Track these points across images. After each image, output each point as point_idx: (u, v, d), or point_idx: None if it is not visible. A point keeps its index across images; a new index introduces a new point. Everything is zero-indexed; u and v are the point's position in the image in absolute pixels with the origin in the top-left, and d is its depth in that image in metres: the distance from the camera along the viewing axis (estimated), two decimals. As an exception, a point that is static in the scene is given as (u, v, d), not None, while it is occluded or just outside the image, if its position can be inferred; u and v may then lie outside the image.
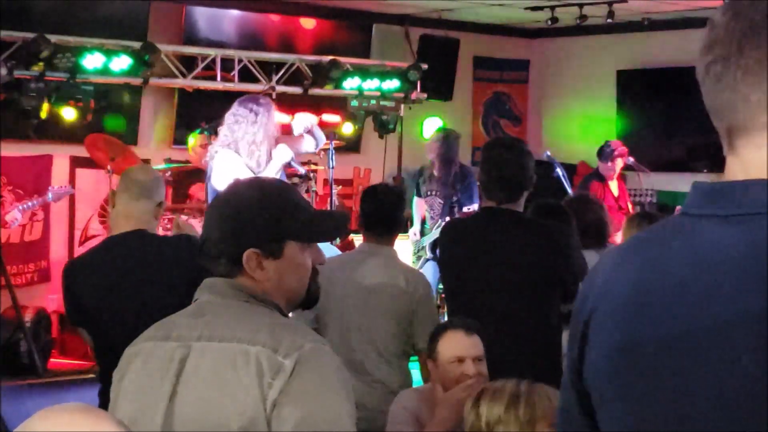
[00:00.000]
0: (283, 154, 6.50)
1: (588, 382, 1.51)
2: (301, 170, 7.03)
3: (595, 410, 1.51)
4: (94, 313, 4.22)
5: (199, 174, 8.43)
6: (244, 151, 6.39)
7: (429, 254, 8.87)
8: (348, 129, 10.02)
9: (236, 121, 6.49)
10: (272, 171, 6.46)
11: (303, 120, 7.05)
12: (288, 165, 6.68)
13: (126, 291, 4.15)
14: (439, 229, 7.58)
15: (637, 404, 1.42)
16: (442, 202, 8.96)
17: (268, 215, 2.46)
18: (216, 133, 7.56)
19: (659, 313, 1.41)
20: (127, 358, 2.48)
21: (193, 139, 8.76)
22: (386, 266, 4.85)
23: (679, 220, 1.47)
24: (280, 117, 8.49)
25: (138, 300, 4.11)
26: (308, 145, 7.11)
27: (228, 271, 2.45)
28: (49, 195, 8.15)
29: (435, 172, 9.05)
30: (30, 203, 8.18)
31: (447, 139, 9.06)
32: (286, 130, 7.13)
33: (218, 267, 2.46)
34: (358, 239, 8.99)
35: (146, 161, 9.06)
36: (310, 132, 7.01)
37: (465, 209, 8.66)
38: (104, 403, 4.17)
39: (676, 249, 1.43)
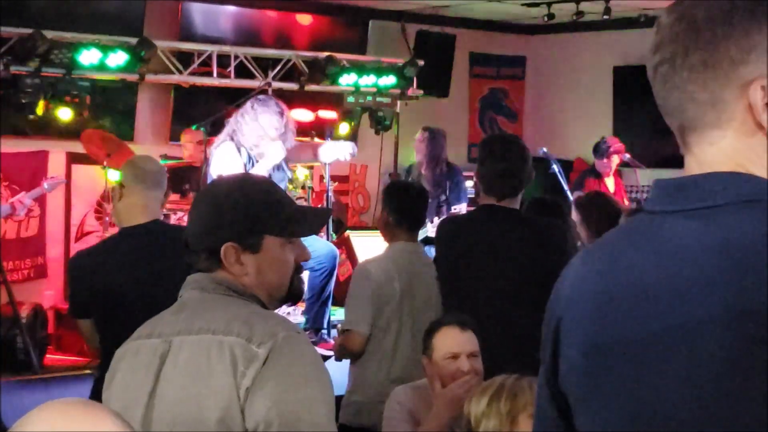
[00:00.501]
0: (276, 153, 6.50)
1: (562, 385, 1.52)
2: (288, 173, 7.03)
3: (571, 411, 1.51)
4: (113, 304, 4.17)
5: (194, 171, 8.43)
6: (238, 146, 6.48)
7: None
8: (344, 126, 10.01)
9: (238, 117, 6.59)
10: (262, 169, 6.47)
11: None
12: (278, 167, 6.68)
13: (152, 281, 4.09)
14: (426, 228, 7.62)
15: (607, 406, 1.43)
16: (430, 201, 8.93)
17: (247, 210, 2.48)
18: (208, 130, 7.62)
19: (625, 315, 1.41)
20: (116, 359, 2.50)
21: (186, 135, 8.79)
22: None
23: (642, 218, 1.49)
24: (302, 115, 8.54)
25: (162, 289, 4.07)
26: (327, 157, 7.18)
27: (209, 266, 2.48)
28: (45, 185, 8.17)
29: (423, 171, 9.03)
30: (33, 192, 8.23)
31: (433, 137, 9.04)
32: (305, 127, 7.20)
33: (199, 261, 2.49)
34: (356, 235, 9.03)
35: (143, 157, 9.04)
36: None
37: (453, 209, 8.63)
38: (97, 396, 4.22)
39: (641, 249, 1.44)
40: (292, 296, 2.62)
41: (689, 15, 1.44)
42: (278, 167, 6.67)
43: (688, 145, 1.48)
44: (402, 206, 4.98)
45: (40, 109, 8.07)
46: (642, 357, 1.38)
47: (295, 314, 7.71)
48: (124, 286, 4.17)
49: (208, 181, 6.62)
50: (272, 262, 2.50)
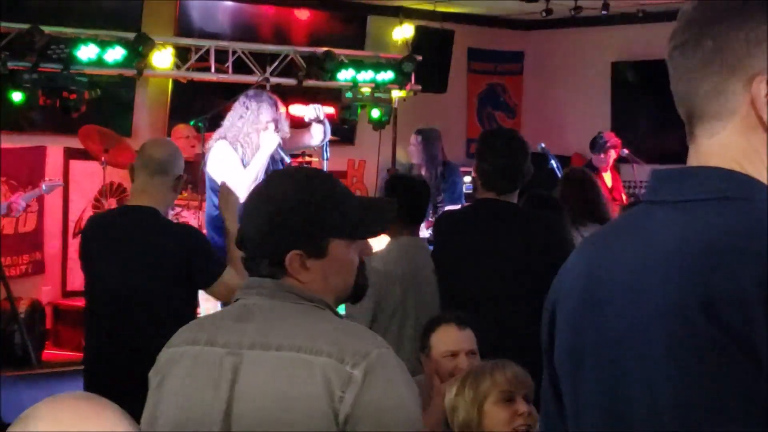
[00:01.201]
0: (270, 140, 6.50)
1: (555, 369, 1.54)
2: (287, 158, 7.01)
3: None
4: (92, 267, 4.51)
5: (187, 165, 8.42)
6: (233, 142, 6.47)
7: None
8: (342, 121, 10.00)
9: (232, 114, 6.58)
10: (260, 161, 6.47)
11: (312, 110, 7.08)
12: (276, 160, 6.66)
13: (116, 260, 4.37)
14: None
15: (580, 399, 1.45)
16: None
17: (309, 213, 2.30)
18: (206, 126, 7.61)
19: (597, 318, 1.43)
20: (164, 362, 2.35)
21: (174, 131, 8.80)
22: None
23: (638, 208, 1.49)
24: (296, 110, 8.51)
25: (124, 272, 4.33)
26: (316, 137, 7.13)
27: (272, 273, 2.30)
28: (44, 187, 8.21)
29: (421, 172, 9.02)
30: (29, 194, 8.26)
31: (426, 139, 9.01)
32: (298, 123, 7.17)
33: (259, 268, 2.32)
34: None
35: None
36: (320, 121, 7.03)
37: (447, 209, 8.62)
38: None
39: (626, 240, 1.44)
40: (357, 294, 2.48)
41: (708, 3, 1.44)
42: (277, 160, 6.65)
43: (693, 135, 1.47)
44: (405, 200, 4.95)
45: (37, 105, 8.07)
46: (610, 358, 1.39)
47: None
48: (99, 255, 4.47)
49: (206, 179, 6.60)
50: (340, 265, 2.35)
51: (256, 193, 2.42)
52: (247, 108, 6.56)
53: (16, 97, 7.95)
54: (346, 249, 2.36)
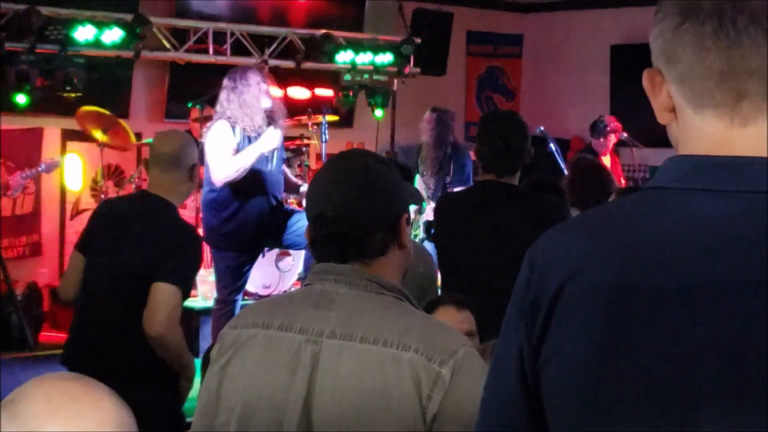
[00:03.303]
0: (271, 137, 6.43)
1: (558, 353, 1.42)
2: (284, 153, 6.98)
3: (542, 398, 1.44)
4: (89, 249, 4.50)
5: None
6: (233, 124, 6.43)
7: (422, 234, 8.83)
8: (340, 103, 9.96)
9: (221, 95, 6.54)
10: (252, 153, 6.37)
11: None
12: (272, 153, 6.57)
13: (110, 244, 4.42)
14: (425, 210, 7.60)
15: (629, 352, 1.35)
16: (434, 182, 8.89)
17: (395, 180, 2.30)
18: (206, 107, 7.57)
19: (658, 265, 1.35)
20: (232, 342, 2.29)
21: (195, 112, 8.75)
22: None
23: (652, 193, 1.42)
24: (299, 92, 8.45)
25: (120, 257, 4.34)
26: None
27: (382, 248, 2.24)
28: (42, 166, 8.18)
29: (430, 152, 8.98)
30: (28, 173, 8.23)
31: (440, 119, 8.96)
32: (301, 105, 7.09)
33: (371, 245, 2.24)
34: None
35: (138, 135, 9.02)
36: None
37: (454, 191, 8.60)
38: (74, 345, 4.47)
39: (660, 219, 1.38)
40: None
41: None
42: (267, 156, 6.58)
43: (746, 116, 1.38)
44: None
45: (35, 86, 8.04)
46: (676, 306, 1.33)
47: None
48: (104, 236, 4.48)
49: (205, 164, 6.52)
50: (407, 241, 2.31)
51: (333, 171, 2.32)
52: (234, 85, 6.50)
53: (20, 99, 7.97)
54: (406, 225, 2.32)
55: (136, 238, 4.35)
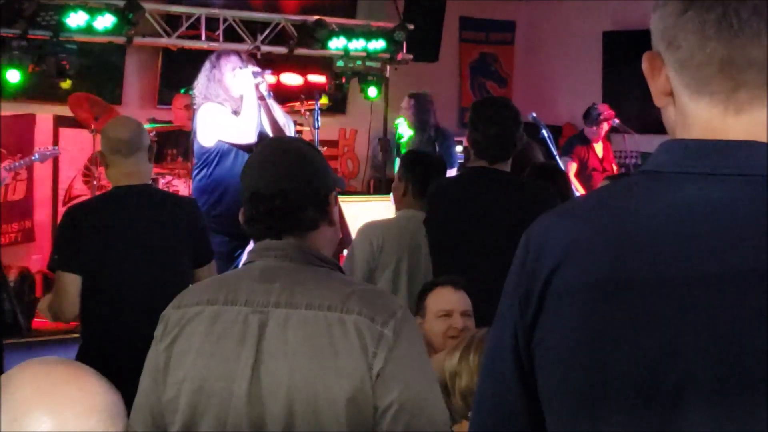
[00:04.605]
0: (243, 78, 6.47)
1: (550, 337, 1.43)
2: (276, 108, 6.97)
3: (536, 375, 1.45)
4: (95, 257, 4.28)
5: (183, 135, 8.39)
6: (220, 102, 6.45)
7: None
8: (333, 90, 9.96)
9: (200, 77, 6.57)
10: (250, 101, 6.41)
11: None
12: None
13: (130, 240, 4.30)
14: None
15: (618, 342, 1.35)
16: None
17: (323, 161, 2.48)
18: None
19: (651, 255, 1.36)
20: (176, 321, 2.35)
21: (175, 100, 8.75)
22: None
23: (642, 177, 1.43)
24: (292, 79, 8.43)
25: (139, 251, 4.28)
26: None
27: (314, 222, 2.38)
28: (36, 155, 8.14)
29: (414, 137, 8.98)
30: (16, 163, 8.18)
31: (418, 102, 8.96)
32: (294, 91, 7.07)
33: (304, 220, 2.37)
34: (344, 201, 9.01)
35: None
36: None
37: None
38: (85, 359, 4.24)
39: (654, 202, 1.39)
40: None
41: None
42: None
43: (742, 104, 1.40)
44: (425, 179, 5.03)
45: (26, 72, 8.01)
46: (668, 298, 1.33)
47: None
48: (106, 241, 4.31)
49: (195, 146, 6.56)
50: (337, 219, 2.47)
51: (275, 152, 2.46)
52: (211, 66, 6.54)
53: (13, 76, 7.91)
54: (336, 202, 2.48)
55: (161, 226, 4.37)
